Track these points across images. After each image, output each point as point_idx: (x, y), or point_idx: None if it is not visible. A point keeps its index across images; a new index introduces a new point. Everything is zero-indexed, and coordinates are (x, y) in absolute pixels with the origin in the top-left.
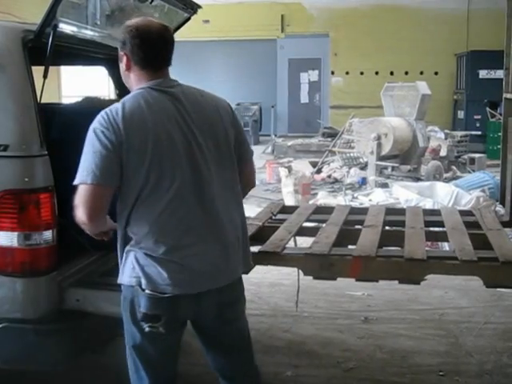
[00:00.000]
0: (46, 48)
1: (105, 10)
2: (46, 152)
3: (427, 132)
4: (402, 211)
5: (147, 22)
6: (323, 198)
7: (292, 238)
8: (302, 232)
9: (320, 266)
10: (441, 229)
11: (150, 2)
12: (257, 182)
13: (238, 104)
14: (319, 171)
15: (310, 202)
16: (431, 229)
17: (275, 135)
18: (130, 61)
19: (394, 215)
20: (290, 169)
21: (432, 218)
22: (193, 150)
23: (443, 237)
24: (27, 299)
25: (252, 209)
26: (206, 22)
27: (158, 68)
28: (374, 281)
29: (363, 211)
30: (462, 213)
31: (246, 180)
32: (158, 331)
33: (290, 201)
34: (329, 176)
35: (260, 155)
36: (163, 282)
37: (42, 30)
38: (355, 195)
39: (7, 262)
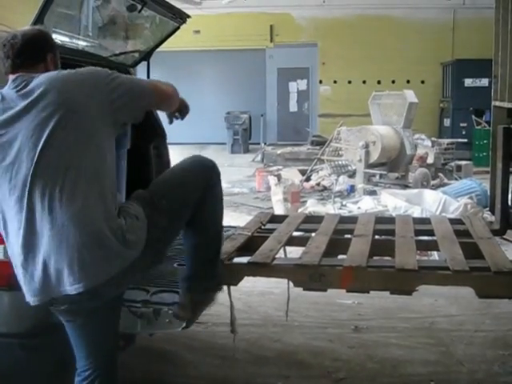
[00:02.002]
0: None
1: (97, 22)
2: None
3: (414, 140)
4: (391, 220)
5: None
6: (312, 206)
7: (281, 248)
8: (292, 242)
9: (310, 277)
10: (431, 238)
11: (139, 12)
12: (246, 191)
13: (228, 113)
14: (308, 179)
15: (299, 210)
16: (421, 238)
17: (265, 143)
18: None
19: (384, 224)
20: (279, 177)
21: (422, 226)
22: None
23: (434, 246)
24: (13, 313)
25: (242, 217)
26: (197, 32)
27: None
28: (365, 292)
29: (353, 220)
30: (452, 221)
31: None
32: None
33: (279, 209)
34: (318, 184)
35: (250, 163)
36: None
37: None
38: (344, 203)
39: None
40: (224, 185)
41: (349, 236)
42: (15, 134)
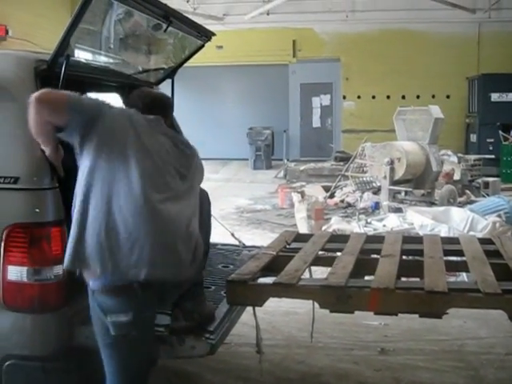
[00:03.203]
0: (58, 76)
1: (119, 35)
2: (57, 184)
3: (440, 156)
4: (419, 239)
5: None
6: (336, 223)
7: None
8: (318, 262)
9: (337, 298)
10: (461, 258)
11: (164, 30)
12: (269, 207)
13: (251, 128)
14: (332, 196)
15: (323, 228)
16: (451, 258)
17: (287, 159)
18: None
19: (412, 244)
20: (303, 194)
21: (451, 246)
22: None
23: (463, 267)
24: (36, 336)
25: (265, 234)
26: (220, 47)
27: None
28: (393, 314)
29: (379, 239)
30: (482, 241)
31: None
32: None
33: (303, 226)
34: (342, 201)
35: (272, 180)
36: None
37: (54, 59)
38: (369, 220)
39: (16, 298)
40: (246, 201)
41: (376, 256)
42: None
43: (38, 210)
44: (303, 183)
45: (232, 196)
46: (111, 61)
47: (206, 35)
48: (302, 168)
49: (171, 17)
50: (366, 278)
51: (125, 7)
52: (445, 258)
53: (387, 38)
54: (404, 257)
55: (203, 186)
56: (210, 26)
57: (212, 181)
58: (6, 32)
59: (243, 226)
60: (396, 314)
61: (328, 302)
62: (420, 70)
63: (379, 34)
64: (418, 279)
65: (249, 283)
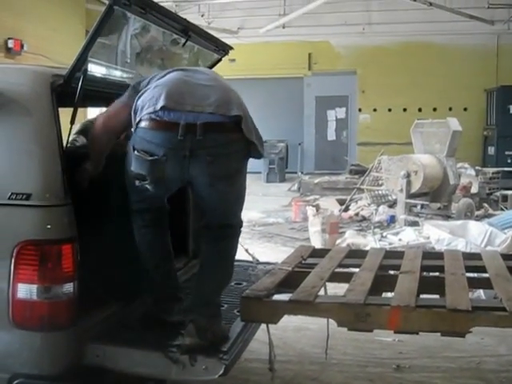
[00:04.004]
0: (74, 91)
1: (135, 49)
2: (71, 201)
3: (458, 169)
4: (440, 255)
5: None
6: (351, 237)
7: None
8: (335, 278)
9: (355, 316)
10: (483, 275)
11: (183, 45)
12: (282, 221)
13: (265, 141)
14: (347, 209)
15: (338, 242)
16: (473, 275)
17: (302, 172)
18: None
19: (432, 260)
20: (317, 207)
21: (473, 262)
22: None
23: (486, 284)
24: (45, 354)
25: (277, 248)
26: (232, 61)
27: None
28: (414, 333)
29: (399, 255)
30: (505, 257)
31: None
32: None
33: (316, 240)
34: (356, 214)
35: (285, 193)
36: None
37: (71, 74)
38: (384, 234)
39: (25, 316)
40: (258, 215)
41: (395, 272)
42: None
43: (49, 227)
44: (317, 196)
45: (244, 209)
46: (127, 75)
47: (223, 49)
48: (316, 181)
49: (190, 31)
50: (385, 294)
51: (143, 21)
52: (467, 275)
53: (404, 51)
54: (424, 273)
55: None
56: (224, 39)
57: None
58: (21, 46)
59: (255, 239)
60: (417, 333)
61: (346, 320)
62: (437, 83)
63: (396, 46)
64: (438, 296)
65: (263, 300)
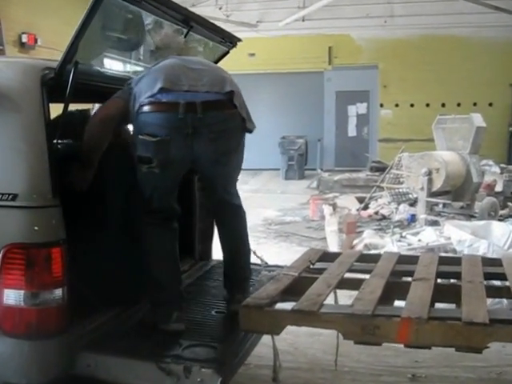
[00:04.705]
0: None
1: (149, 46)
2: (59, 202)
3: (481, 166)
4: (457, 260)
5: None
6: (369, 237)
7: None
8: (344, 284)
9: (362, 328)
10: (504, 283)
11: (185, 36)
12: (299, 219)
13: (283, 137)
14: (366, 207)
15: (355, 242)
16: (492, 282)
17: (321, 169)
18: None
19: (449, 265)
20: (334, 206)
21: (492, 269)
22: None
23: (506, 292)
24: (34, 363)
25: (292, 248)
26: (252, 55)
27: None
28: (426, 347)
29: (413, 260)
30: None
31: None
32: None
33: (333, 240)
34: (376, 213)
35: (304, 190)
36: None
37: (62, 67)
38: (403, 234)
39: (12, 323)
40: (275, 213)
41: (408, 279)
42: None
43: (36, 228)
44: (336, 194)
45: (260, 207)
46: (131, 70)
47: (231, 41)
48: (335, 178)
49: (192, 21)
50: (397, 302)
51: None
52: (486, 283)
53: (427, 44)
54: (440, 280)
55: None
56: (242, 33)
57: (240, 191)
58: (35, 41)
59: (270, 238)
60: (429, 348)
61: (352, 332)
62: (461, 77)
63: (419, 39)
64: (454, 305)
65: (265, 309)
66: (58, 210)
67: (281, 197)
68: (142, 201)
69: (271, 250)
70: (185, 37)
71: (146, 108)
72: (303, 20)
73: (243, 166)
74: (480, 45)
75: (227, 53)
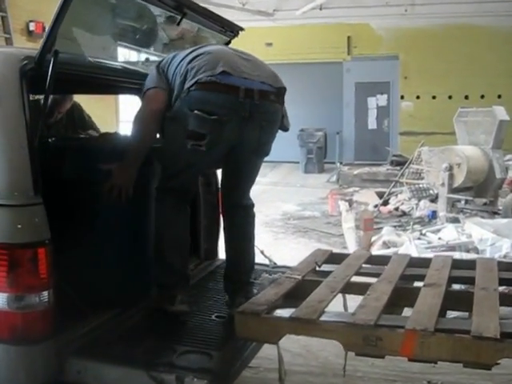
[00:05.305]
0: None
1: (162, 40)
2: (41, 200)
3: (505, 162)
4: (471, 264)
5: None
6: (387, 234)
7: (336, 299)
8: (349, 289)
9: (364, 340)
10: None
11: (178, 24)
12: (318, 214)
13: (302, 130)
14: (386, 203)
15: (373, 239)
16: (508, 289)
17: (340, 163)
18: None
19: (463, 270)
20: (350, 202)
21: (510, 274)
22: None
23: None
24: (20, 370)
25: (310, 244)
26: (269, 44)
27: None
28: (431, 362)
29: (425, 263)
30: None
31: None
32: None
33: (350, 237)
34: (396, 208)
35: (324, 184)
36: None
37: (41, 56)
38: (423, 231)
39: None
40: (294, 207)
41: (419, 284)
42: None
43: (20, 226)
44: (356, 188)
45: (279, 201)
46: (125, 60)
47: (231, 30)
48: (355, 172)
49: (185, 8)
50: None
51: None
52: (501, 290)
53: (450, 34)
54: (453, 285)
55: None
56: (259, 22)
57: (259, 184)
58: (43, 29)
59: (288, 234)
60: (435, 363)
61: (353, 343)
62: (485, 68)
63: (441, 29)
64: (466, 314)
65: (262, 316)
66: (41, 208)
67: (300, 190)
68: (164, 176)
69: (289, 246)
70: (178, 24)
71: (205, 86)
72: (321, 8)
73: None
74: (504, 34)
75: (229, 42)
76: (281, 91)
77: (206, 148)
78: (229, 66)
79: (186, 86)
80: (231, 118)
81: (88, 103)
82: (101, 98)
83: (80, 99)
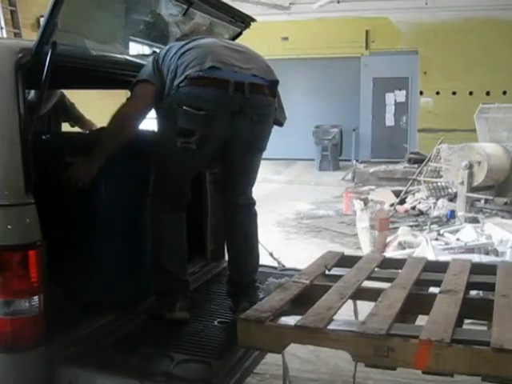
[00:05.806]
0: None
1: (175, 35)
2: (33, 200)
3: None
4: (492, 269)
5: None
6: (404, 234)
7: (346, 305)
8: (359, 295)
9: (375, 350)
10: None
11: (183, 14)
12: (332, 213)
13: (317, 127)
14: (403, 202)
15: (389, 239)
16: None
17: (356, 160)
18: None
19: (482, 275)
20: (365, 201)
21: None
22: None
23: None
24: (9, 379)
25: (324, 244)
26: (285, 39)
27: None
28: (447, 375)
29: (442, 267)
30: None
31: None
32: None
33: (365, 237)
34: (413, 208)
35: (339, 182)
36: None
37: (38, 48)
38: (441, 232)
39: None
40: (308, 206)
41: (435, 290)
42: None
43: (9, 227)
44: (372, 187)
45: (293, 200)
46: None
47: (243, 21)
48: (371, 170)
49: None
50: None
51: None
52: None
53: (471, 28)
54: (471, 292)
55: (263, 190)
56: (274, 16)
57: (273, 182)
58: None
59: (301, 233)
60: (451, 376)
61: (363, 354)
62: (507, 63)
63: (462, 22)
64: (485, 324)
65: (266, 323)
66: (32, 208)
67: (315, 189)
68: (156, 183)
69: (301, 247)
70: (183, 15)
71: (194, 81)
72: (338, 2)
73: (277, 156)
74: None
75: (240, 34)
76: (274, 84)
77: (196, 145)
78: (218, 59)
79: (176, 82)
80: (221, 113)
81: (100, 99)
82: (111, 94)
83: (90, 95)
